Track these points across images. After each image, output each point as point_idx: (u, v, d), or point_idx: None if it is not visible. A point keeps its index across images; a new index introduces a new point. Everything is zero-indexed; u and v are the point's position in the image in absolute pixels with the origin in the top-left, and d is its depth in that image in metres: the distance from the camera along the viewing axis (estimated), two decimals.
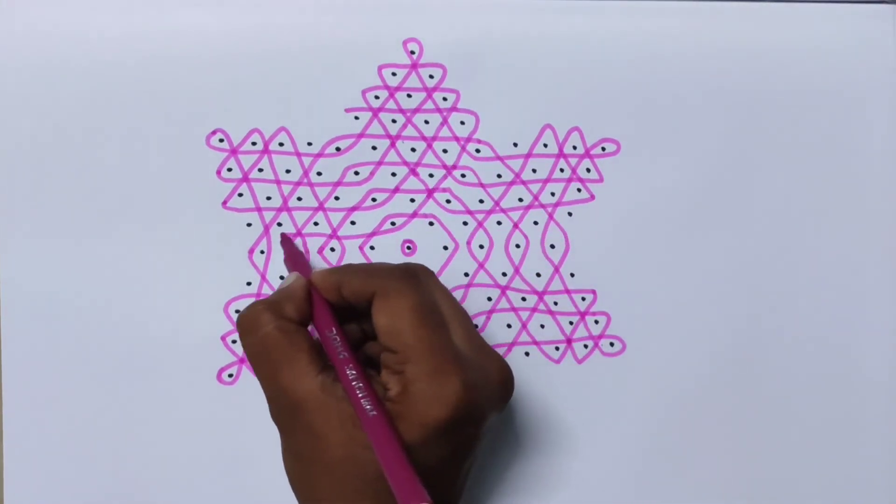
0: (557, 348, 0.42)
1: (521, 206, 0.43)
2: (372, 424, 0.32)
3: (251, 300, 0.41)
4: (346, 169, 0.42)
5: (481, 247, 0.43)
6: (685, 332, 0.43)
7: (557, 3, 0.43)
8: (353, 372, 0.33)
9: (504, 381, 0.36)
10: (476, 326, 0.40)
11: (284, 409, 0.34)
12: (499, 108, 0.43)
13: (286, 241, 0.41)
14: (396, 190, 0.42)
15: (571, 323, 0.43)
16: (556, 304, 0.42)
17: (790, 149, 0.44)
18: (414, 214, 0.42)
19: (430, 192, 0.43)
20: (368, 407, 0.32)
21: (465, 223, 0.43)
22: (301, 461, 0.33)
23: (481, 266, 0.42)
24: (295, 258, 0.40)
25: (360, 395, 0.32)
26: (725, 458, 0.43)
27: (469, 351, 0.34)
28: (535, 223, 0.43)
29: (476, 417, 0.33)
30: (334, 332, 0.34)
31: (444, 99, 0.43)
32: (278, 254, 0.42)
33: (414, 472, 0.30)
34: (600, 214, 0.43)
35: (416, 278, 0.35)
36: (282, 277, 0.42)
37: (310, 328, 0.35)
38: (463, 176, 0.43)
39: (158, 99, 0.41)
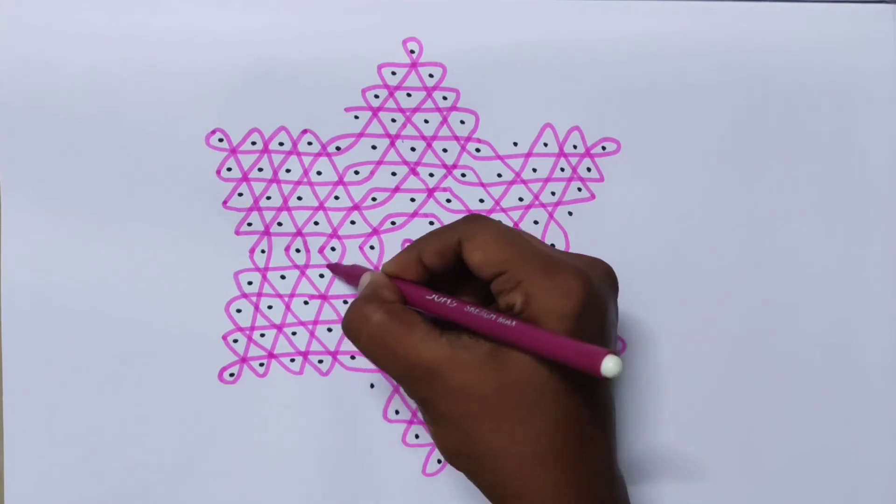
0: None
1: (522, 206, 0.43)
2: (518, 330, 0.31)
3: (252, 300, 0.41)
4: (346, 168, 0.42)
5: None
6: (686, 332, 0.43)
7: (558, 2, 0.43)
8: (473, 308, 0.33)
9: (606, 270, 0.36)
10: None
11: (421, 382, 0.33)
12: (499, 107, 0.43)
13: (334, 266, 0.42)
14: (397, 189, 0.42)
15: None
16: None
17: (790, 148, 0.44)
18: (414, 214, 0.42)
19: (430, 192, 0.43)
20: (506, 321, 0.32)
21: None
22: (456, 425, 0.33)
23: None
24: (352, 270, 0.40)
25: (492, 318, 0.32)
26: (726, 457, 0.43)
27: (562, 253, 0.35)
28: (536, 222, 0.43)
29: (599, 306, 0.34)
30: (434, 296, 0.35)
31: (444, 98, 0.43)
32: (279, 254, 0.42)
33: (581, 341, 0.30)
34: (601, 214, 0.43)
35: (484, 216, 0.36)
36: (280, 277, 0.42)
37: None
38: (463, 175, 0.43)
39: (158, 98, 0.41)
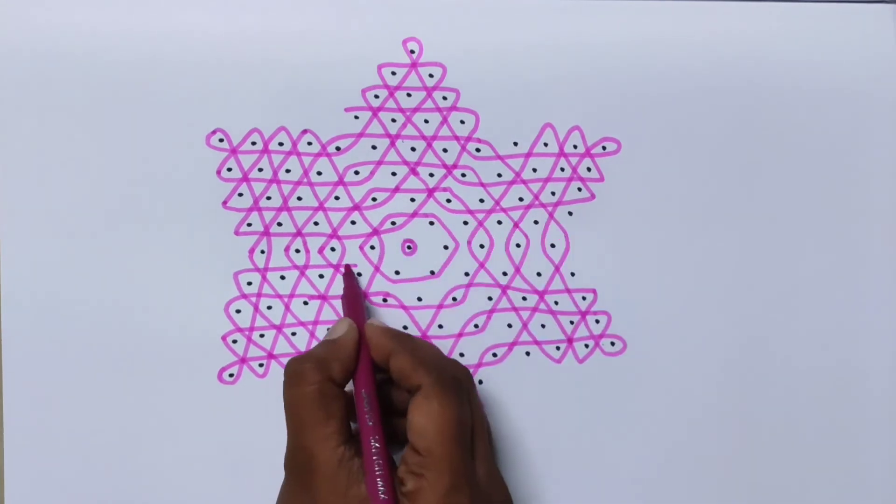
0: (558, 348, 0.42)
1: (522, 206, 0.43)
2: None
3: (251, 300, 0.41)
4: (347, 168, 0.42)
5: (482, 246, 0.43)
6: (686, 332, 0.43)
7: (558, 3, 0.43)
8: (377, 445, 0.34)
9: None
10: (492, 442, 0.40)
11: (299, 465, 0.35)
12: (499, 107, 0.43)
13: (349, 275, 0.41)
14: (397, 189, 0.42)
15: (572, 322, 0.43)
16: (556, 303, 0.43)
17: (790, 148, 0.44)
18: (414, 214, 0.42)
19: (430, 192, 0.43)
20: (381, 487, 0.33)
21: (465, 223, 0.43)
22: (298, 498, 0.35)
23: (482, 266, 0.42)
24: (353, 299, 0.40)
25: (376, 472, 0.34)
26: (726, 456, 0.43)
27: (483, 476, 0.35)
28: (536, 222, 0.43)
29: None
30: (366, 396, 0.36)
31: (444, 98, 0.43)
32: (279, 254, 0.42)
33: None
34: (601, 214, 0.43)
35: (460, 387, 0.36)
36: (279, 277, 0.42)
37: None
38: (463, 175, 0.43)
39: (158, 99, 0.41)
